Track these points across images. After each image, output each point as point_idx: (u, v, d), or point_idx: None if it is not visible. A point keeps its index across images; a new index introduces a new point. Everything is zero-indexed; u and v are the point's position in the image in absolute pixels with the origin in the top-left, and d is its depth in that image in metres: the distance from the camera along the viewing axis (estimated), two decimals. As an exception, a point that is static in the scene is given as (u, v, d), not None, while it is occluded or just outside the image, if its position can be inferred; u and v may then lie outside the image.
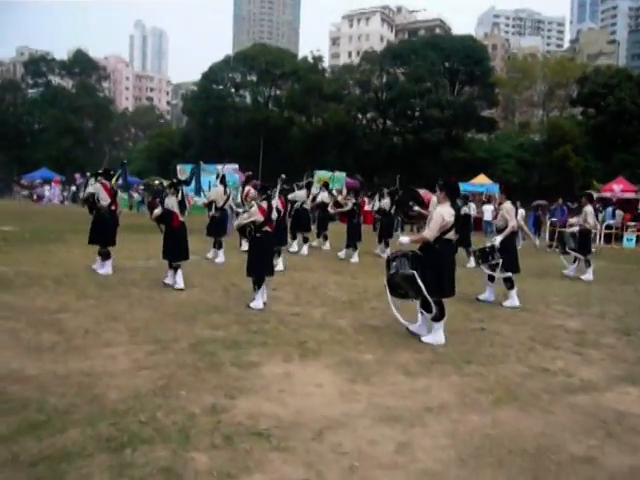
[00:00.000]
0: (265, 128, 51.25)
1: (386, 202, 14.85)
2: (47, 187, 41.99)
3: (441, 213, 6.27)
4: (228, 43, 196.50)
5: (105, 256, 9.99)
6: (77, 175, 44.05)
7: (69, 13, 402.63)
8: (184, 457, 3.38)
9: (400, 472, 3.38)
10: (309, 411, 4.22)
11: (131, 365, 5.03)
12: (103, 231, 10.06)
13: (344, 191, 30.78)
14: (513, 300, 8.75)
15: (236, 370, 5.02)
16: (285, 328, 6.63)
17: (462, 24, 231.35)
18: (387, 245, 14.48)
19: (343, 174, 34.45)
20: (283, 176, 15.28)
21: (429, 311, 6.31)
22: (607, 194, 26.16)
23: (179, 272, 8.94)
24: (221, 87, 55.81)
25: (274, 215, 8.29)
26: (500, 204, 9.81)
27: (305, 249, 14.26)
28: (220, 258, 12.10)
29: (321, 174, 33.15)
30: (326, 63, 63.57)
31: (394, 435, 3.89)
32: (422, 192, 22.81)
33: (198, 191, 30.17)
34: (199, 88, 56.85)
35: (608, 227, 18.97)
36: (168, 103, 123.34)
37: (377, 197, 15.73)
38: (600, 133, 42.71)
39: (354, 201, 14.88)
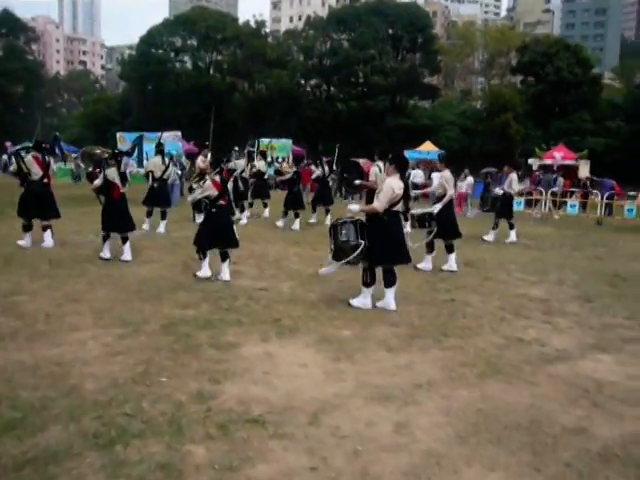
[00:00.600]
0: (207, 94, 49.79)
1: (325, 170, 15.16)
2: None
3: (391, 185, 6.32)
4: (164, 5, 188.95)
5: (26, 229, 9.68)
6: (8, 144, 41.64)
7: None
8: (180, 451, 3.20)
9: (404, 454, 3.32)
10: (299, 393, 4.10)
11: (103, 351, 4.75)
12: (32, 205, 9.69)
13: (290, 158, 30.55)
14: (451, 264, 9.08)
15: (215, 352, 4.83)
16: (256, 304, 6.46)
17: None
18: (327, 212, 14.57)
19: (289, 141, 34.14)
20: (236, 148, 15.00)
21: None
22: (549, 161, 26.89)
23: (127, 244, 8.86)
24: (160, 51, 53.65)
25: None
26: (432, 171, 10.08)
27: (244, 218, 14.03)
28: (146, 225, 11.93)
29: (265, 142, 32.76)
30: (267, 28, 62.09)
31: (389, 415, 3.82)
32: (362, 162, 22.91)
33: (141, 162, 29.18)
34: (137, 52, 54.46)
35: (552, 194, 19.48)
36: (102, 67, 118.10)
37: (317, 165, 15.89)
38: (539, 101, 43.74)
39: (295, 169, 14.82)
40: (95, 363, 4.47)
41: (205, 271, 7.71)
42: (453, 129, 44.92)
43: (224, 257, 7.76)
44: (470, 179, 20.18)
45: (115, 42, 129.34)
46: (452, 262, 9.14)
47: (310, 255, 10.08)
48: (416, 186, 27.94)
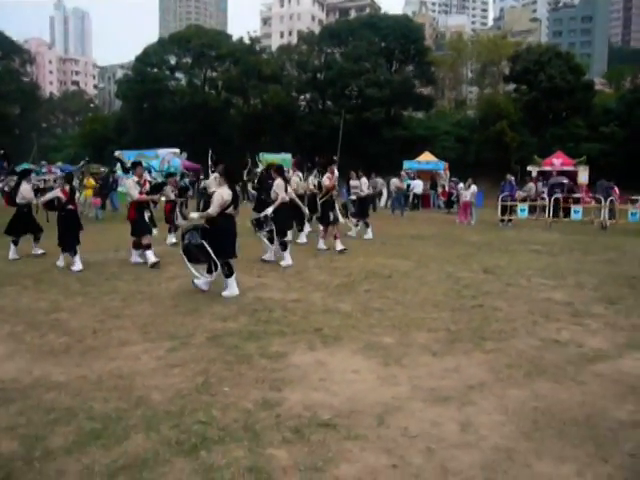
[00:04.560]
0: (203, 111, 50.11)
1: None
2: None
3: (221, 194, 7.54)
4: (154, 25, 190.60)
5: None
6: (4, 164, 41.83)
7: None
8: (263, 454, 3.32)
9: (475, 450, 3.45)
10: (360, 398, 4.22)
11: (158, 364, 4.87)
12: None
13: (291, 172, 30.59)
14: (287, 260, 10.07)
15: (267, 362, 4.95)
16: (293, 315, 6.58)
17: (390, 3, 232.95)
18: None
19: (288, 155, 34.31)
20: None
21: (210, 272, 7.65)
22: (548, 168, 27.17)
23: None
24: (156, 70, 53.92)
25: None
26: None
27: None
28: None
29: (267, 157, 33.01)
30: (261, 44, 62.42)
31: (451, 415, 3.95)
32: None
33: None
34: (133, 71, 54.67)
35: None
36: (95, 87, 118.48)
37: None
38: (533, 109, 44.13)
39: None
40: (155, 376, 4.58)
41: (60, 262, 9.52)
42: (449, 139, 45.24)
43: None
44: (474, 188, 20.38)
45: (107, 62, 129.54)
46: (287, 258, 10.08)
47: (330, 267, 10.21)
48: (416, 196, 28.34)
